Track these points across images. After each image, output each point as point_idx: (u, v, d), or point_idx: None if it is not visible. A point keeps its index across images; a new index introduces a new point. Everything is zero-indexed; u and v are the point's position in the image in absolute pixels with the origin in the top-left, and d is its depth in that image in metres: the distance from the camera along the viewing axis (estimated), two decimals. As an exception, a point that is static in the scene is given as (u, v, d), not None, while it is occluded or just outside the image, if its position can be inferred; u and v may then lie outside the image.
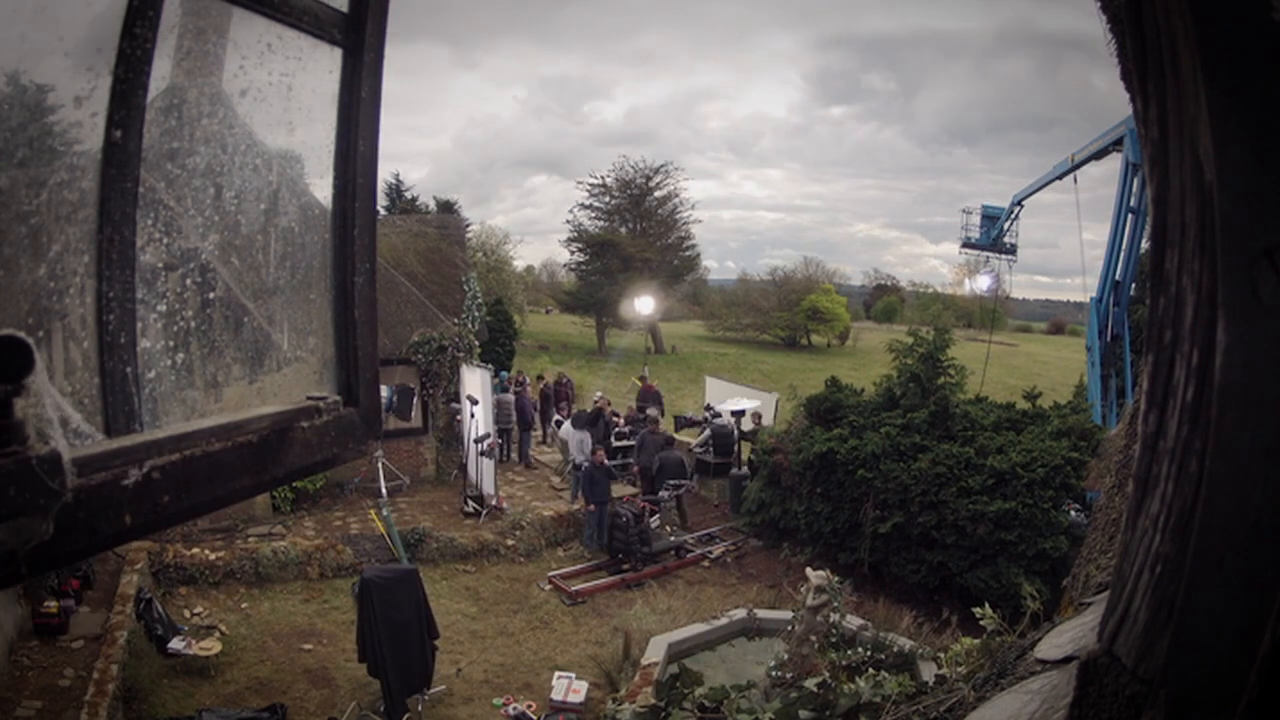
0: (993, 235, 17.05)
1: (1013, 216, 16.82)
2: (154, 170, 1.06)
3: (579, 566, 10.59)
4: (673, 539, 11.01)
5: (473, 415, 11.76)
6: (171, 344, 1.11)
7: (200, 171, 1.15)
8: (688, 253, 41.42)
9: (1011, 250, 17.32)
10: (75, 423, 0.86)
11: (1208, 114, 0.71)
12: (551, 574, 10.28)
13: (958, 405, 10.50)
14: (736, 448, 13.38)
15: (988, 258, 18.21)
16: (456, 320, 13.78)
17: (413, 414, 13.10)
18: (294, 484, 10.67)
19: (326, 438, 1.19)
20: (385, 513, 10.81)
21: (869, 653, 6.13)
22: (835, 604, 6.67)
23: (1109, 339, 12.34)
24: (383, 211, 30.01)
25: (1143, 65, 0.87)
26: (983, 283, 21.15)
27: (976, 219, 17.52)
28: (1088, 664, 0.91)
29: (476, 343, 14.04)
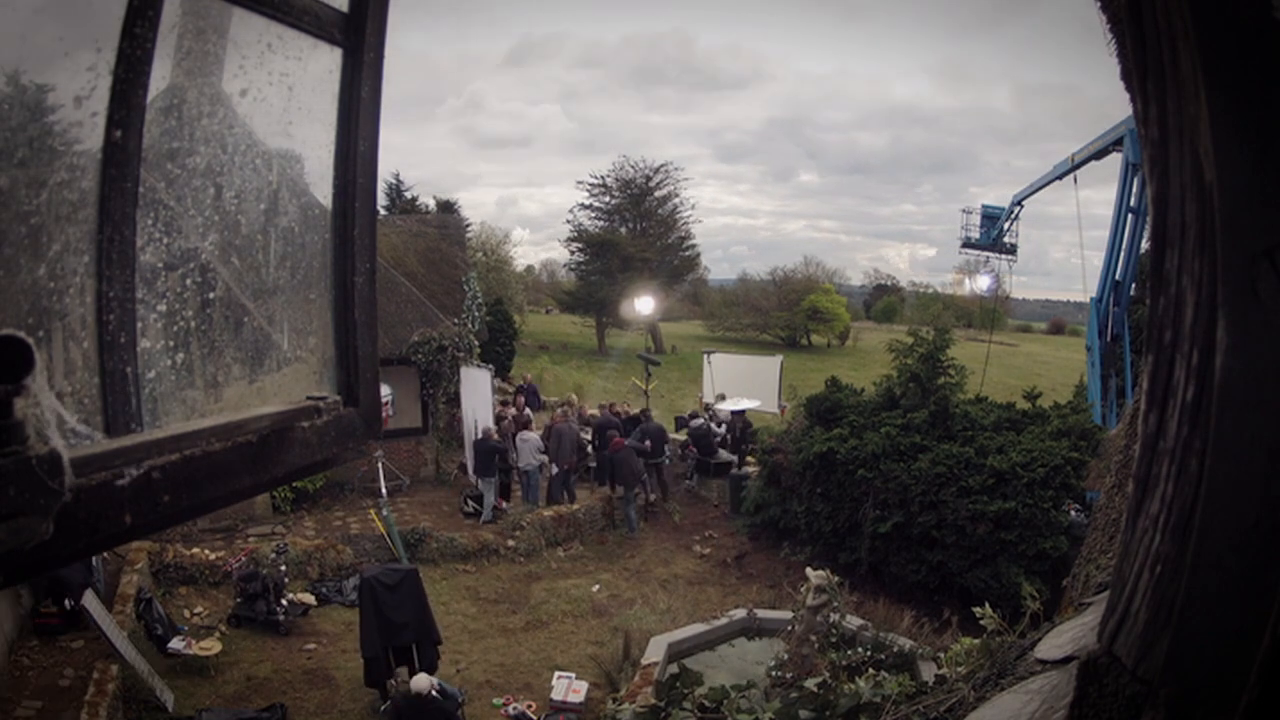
0: (993, 235, 17.04)
1: (1013, 216, 16.80)
2: (154, 170, 1.06)
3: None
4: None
5: (476, 420, 11.77)
6: (171, 344, 1.11)
7: (200, 171, 1.15)
8: (688, 253, 41.40)
9: (1012, 250, 17.29)
10: (70, 424, 0.86)
11: (1208, 114, 0.71)
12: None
13: (958, 405, 10.49)
14: (737, 442, 13.36)
15: (988, 258, 18.19)
16: (456, 320, 13.77)
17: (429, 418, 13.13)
18: (294, 484, 10.68)
19: (326, 438, 1.19)
20: (385, 513, 10.81)
21: (869, 653, 6.13)
22: (835, 604, 6.67)
23: (1109, 339, 12.33)
24: (383, 211, 29.99)
25: (1143, 65, 0.87)
26: (983, 283, 21.15)
27: (976, 219, 17.50)
28: (1088, 664, 0.91)
29: (476, 343, 14.04)
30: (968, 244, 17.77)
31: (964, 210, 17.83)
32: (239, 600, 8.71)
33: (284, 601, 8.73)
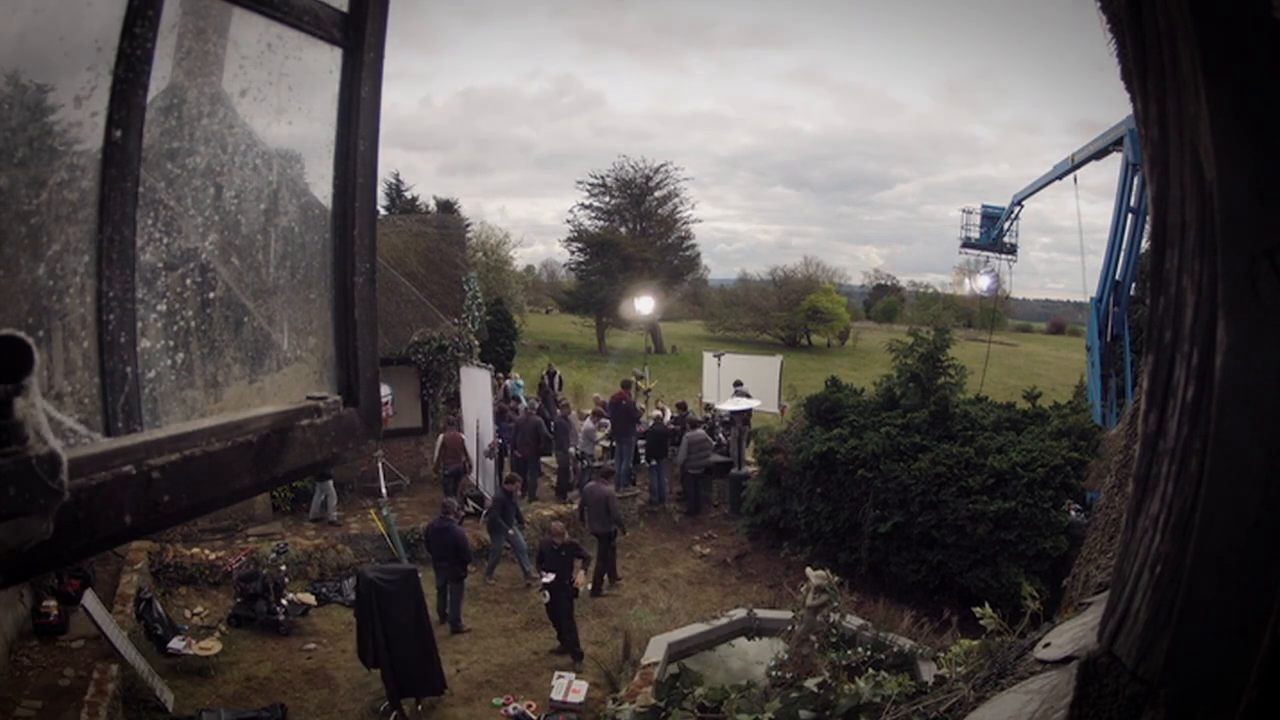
0: (993, 235, 17.03)
1: (1013, 216, 16.79)
2: (154, 170, 1.06)
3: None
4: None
5: (478, 423, 11.78)
6: (171, 344, 1.11)
7: (200, 171, 1.15)
8: (687, 252, 41.45)
9: (1012, 250, 17.28)
10: (66, 425, 0.86)
11: (1208, 114, 0.71)
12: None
13: (958, 405, 10.49)
14: (737, 443, 13.34)
15: (988, 258, 18.17)
16: (456, 320, 13.78)
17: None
18: (294, 484, 10.67)
19: (326, 438, 1.19)
20: (385, 513, 10.81)
21: (869, 653, 6.13)
22: (835, 604, 6.67)
23: (1109, 339, 12.32)
24: (383, 211, 29.99)
25: (1143, 65, 0.87)
26: (983, 283, 21.14)
27: (977, 219, 17.48)
28: (1088, 664, 0.91)
29: (476, 343, 14.04)
30: (968, 244, 17.74)
31: (964, 210, 17.82)
32: (239, 600, 8.71)
33: (284, 601, 8.73)
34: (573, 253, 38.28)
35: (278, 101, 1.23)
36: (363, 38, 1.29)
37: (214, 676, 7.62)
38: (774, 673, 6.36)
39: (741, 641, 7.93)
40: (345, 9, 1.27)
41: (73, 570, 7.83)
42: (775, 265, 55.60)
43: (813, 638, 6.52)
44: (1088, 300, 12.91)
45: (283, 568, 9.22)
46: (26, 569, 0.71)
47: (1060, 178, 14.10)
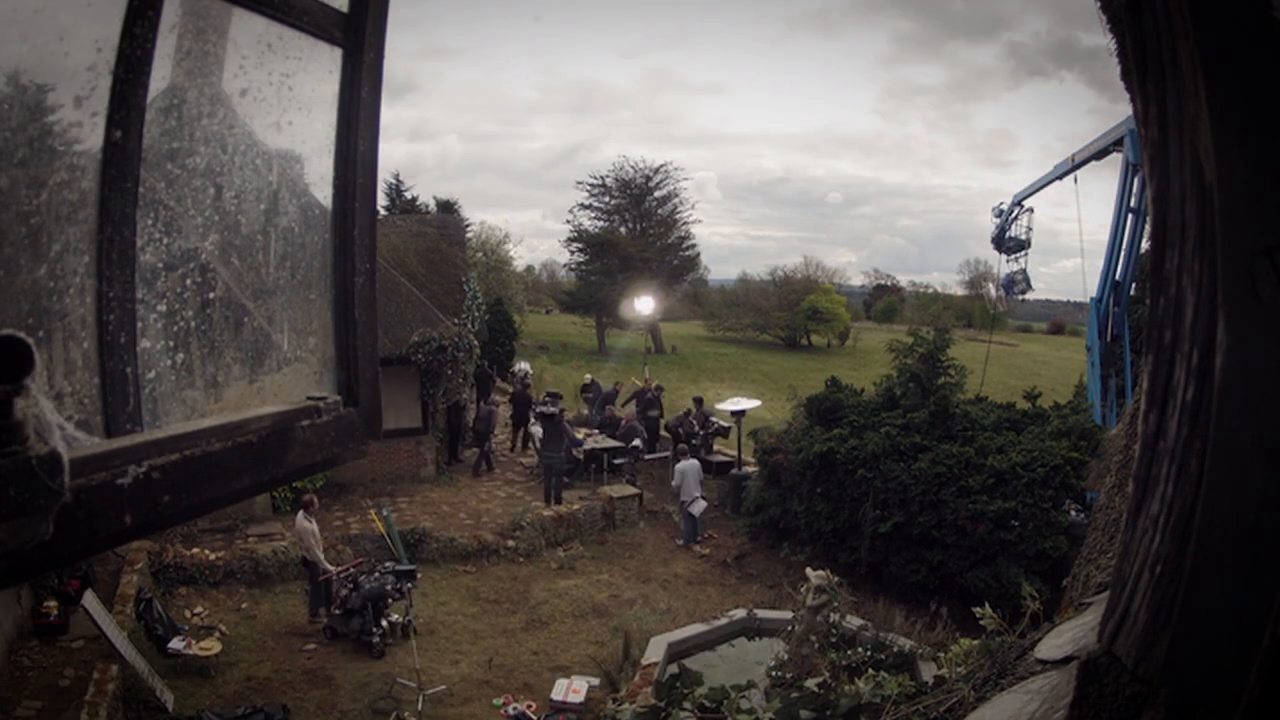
0: (993, 235, 16.98)
1: (1013, 217, 16.74)
2: (154, 170, 1.06)
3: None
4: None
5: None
6: (171, 344, 1.11)
7: (200, 171, 1.15)
8: (687, 253, 41.45)
9: (1019, 247, 17.14)
10: (66, 429, 0.86)
11: (1208, 114, 0.71)
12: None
13: (958, 405, 10.49)
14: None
15: (1017, 257, 17.85)
16: (456, 320, 13.77)
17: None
18: (294, 484, 10.66)
19: (326, 438, 1.19)
20: (385, 513, 10.81)
21: (869, 653, 6.13)
22: (835, 604, 6.67)
23: (1109, 339, 12.31)
24: (383, 211, 29.98)
25: (1143, 65, 0.86)
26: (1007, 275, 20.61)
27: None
28: (1088, 664, 0.91)
29: (476, 343, 14.03)
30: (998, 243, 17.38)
31: (995, 211, 17.50)
32: (337, 611, 8.13)
33: (384, 623, 8.10)
34: (573, 253, 38.31)
35: (278, 101, 1.23)
36: (363, 38, 1.29)
37: (214, 676, 7.61)
38: (774, 673, 6.36)
39: (741, 641, 7.93)
40: (345, 9, 1.27)
41: (72, 570, 7.83)
42: (775, 265, 55.61)
43: (813, 638, 6.52)
44: (1088, 300, 12.92)
45: (388, 585, 8.11)
46: (26, 569, 0.71)
47: (1060, 178, 14.09)
